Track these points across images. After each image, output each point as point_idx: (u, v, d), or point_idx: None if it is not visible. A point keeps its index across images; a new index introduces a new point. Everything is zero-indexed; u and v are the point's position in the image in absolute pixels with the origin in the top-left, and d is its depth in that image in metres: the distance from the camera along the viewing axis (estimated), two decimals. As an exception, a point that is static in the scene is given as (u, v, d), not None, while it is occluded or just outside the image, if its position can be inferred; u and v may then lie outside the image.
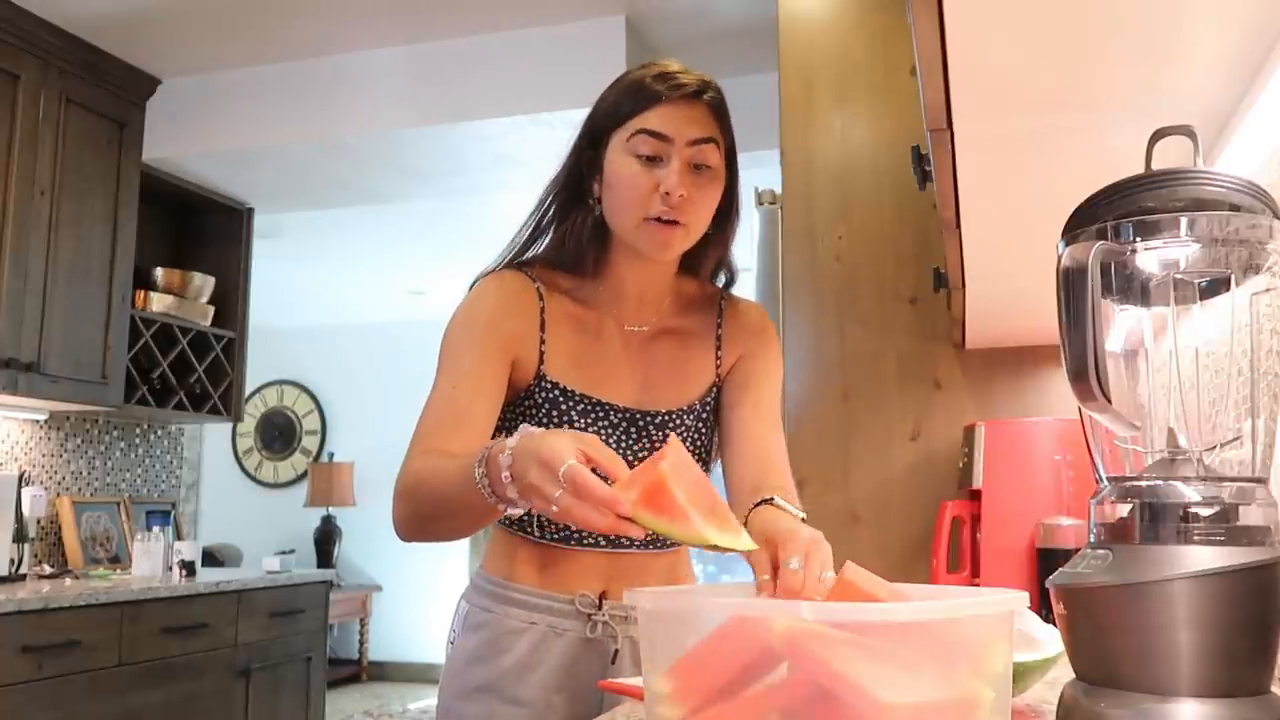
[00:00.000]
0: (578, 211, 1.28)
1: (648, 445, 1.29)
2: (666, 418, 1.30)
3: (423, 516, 1.11)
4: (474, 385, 1.20)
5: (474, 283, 1.31)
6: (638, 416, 1.29)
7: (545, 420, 1.26)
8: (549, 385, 1.26)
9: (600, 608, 1.27)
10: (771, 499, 1.12)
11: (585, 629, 1.27)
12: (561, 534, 1.29)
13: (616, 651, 1.28)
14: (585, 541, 1.28)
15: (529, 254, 1.32)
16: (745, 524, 1.07)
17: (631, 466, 1.24)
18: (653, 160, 1.21)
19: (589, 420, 1.26)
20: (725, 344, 1.37)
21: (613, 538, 1.25)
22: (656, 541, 1.31)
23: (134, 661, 3.11)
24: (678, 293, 1.37)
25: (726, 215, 1.31)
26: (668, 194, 1.19)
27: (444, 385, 1.20)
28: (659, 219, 1.20)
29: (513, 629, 1.28)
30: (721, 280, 1.42)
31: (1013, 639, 0.71)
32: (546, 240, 1.31)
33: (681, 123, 1.21)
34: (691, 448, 1.32)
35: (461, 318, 1.26)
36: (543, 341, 1.26)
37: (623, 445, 1.28)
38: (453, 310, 1.31)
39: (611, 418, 1.27)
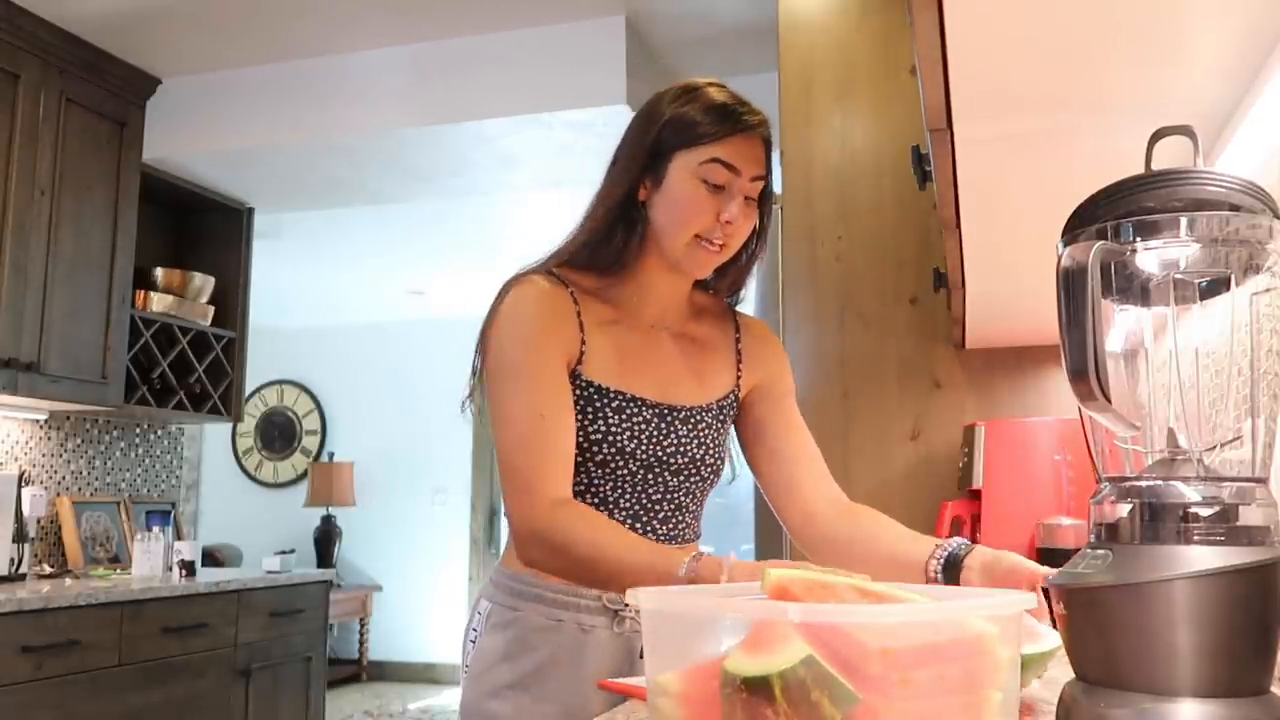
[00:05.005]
0: (627, 216, 1.33)
1: (675, 440, 1.34)
2: (689, 413, 1.36)
3: (576, 575, 1.23)
4: (554, 403, 1.26)
5: (509, 284, 1.34)
6: (665, 411, 1.33)
7: (580, 418, 1.29)
8: (584, 384, 1.30)
9: (627, 604, 1.28)
10: (964, 548, 1.23)
11: (613, 625, 1.30)
12: None
13: (643, 649, 1.28)
14: None
15: (578, 258, 1.35)
16: (960, 570, 1.20)
17: (659, 459, 1.33)
18: (718, 188, 1.28)
19: (622, 416, 1.30)
20: (746, 359, 1.45)
21: (639, 529, 1.32)
22: (677, 537, 1.36)
23: (134, 661, 3.11)
24: (693, 302, 1.44)
25: (755, 240, 1.39)
26: (728, 222, 1.28)
27: (522, 411, 1.25)
28: (711, 240, 1.29)
29: (540, 626, 1.29)
30: (736, 300, 1.49)
31: (1020, 639, 0.71)
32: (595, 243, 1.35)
33: (748, 159, 1.29)
34: (712, 444, 1.38)
35: (515, 330, 1.29)
36: (583, 343, 1.31)
37: (653, 440, 1.32)
38: (484, 312, 1.35)
39: (645, 412, 1.32)
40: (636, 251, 1.34)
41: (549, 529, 1.20)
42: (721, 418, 1.40)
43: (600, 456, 1.29)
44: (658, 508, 1.34)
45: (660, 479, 1.33)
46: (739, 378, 1.43)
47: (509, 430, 1.25)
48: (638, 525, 1.33)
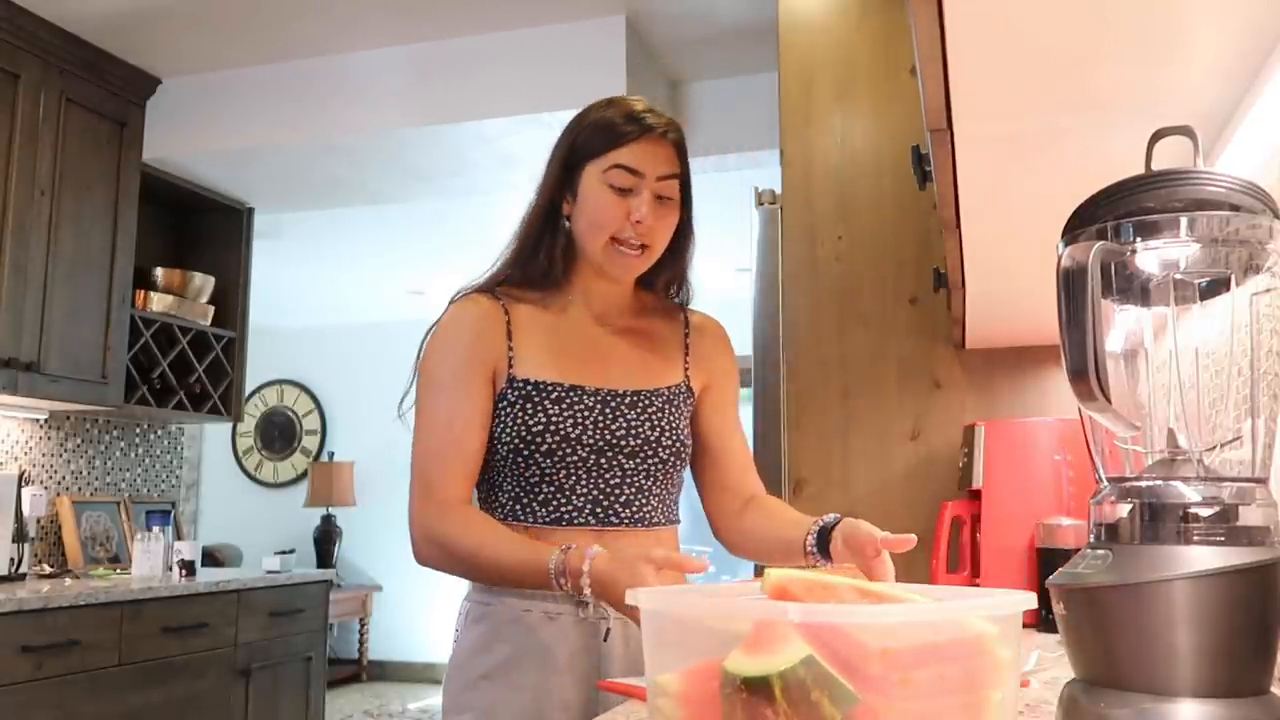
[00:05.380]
0: (551, 229, 1.42)
1: (624, 423, 1.39)
2: (636, 397, 1.41)
3: (461, 572, 1.32)
4: (466, 416, 1.36)
5: (450, 301, 1.45)
6: (609, 396, 1.39)
7: (521, 414, 1.35)
8: (520, 383, 1.37)
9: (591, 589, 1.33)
10: (836, 521, 1.30)
11: (577, 611, 1.34)
12: (553, 515, 1.36)
13: (608, 630, 1.34)
14: (576, 521, 1.36)
15: (510, 277, 1.45)
16: (829, 540, 1.29)
17: (609, 443, 1.37)
18: (625, 191, 1.35)
19: (563, 406, 1.36)
20: (694, 356, 1.51)
21: (600, 514, 1.37)
22: (642, 520, 1.39)
23: (134, 661, 3.11)
24: (640, 302, 1.50)
25: (681, 239, 1.46)
26: (638, 222, 1.35)
27: (437, 418, 1.37)
28: (627, 242, 1.36)
29: (510, 618, 1.34)
30: (683, 298, 1.55)
31: (1020, 640, 0.71)
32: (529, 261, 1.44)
33: (652, 160, 1.36)
34: (668, 426, 1.41)
35: (442, 346, 1.41)
36: (510, 349, 1.39)
37: (599, 424, 1.37)
38: (431, 327, 1.44)
39: (586, 399, 1.38)
40: (566, 263, 1.43)
41: (438, 530, 1.31)
42: (675, 402, 1.44)
43: (546, 446, 1.35)
44: (618, 492, 1.38)
45: (615, 462, 1.37)
46: (687, 371, 1.49)
47: (422, 436, 1.37)
48: (599, 510, 1.37)
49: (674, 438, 1.42)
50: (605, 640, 1.33)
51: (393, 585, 7.33)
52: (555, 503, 1.36)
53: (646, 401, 1.41)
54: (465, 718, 1.33)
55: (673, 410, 1.43)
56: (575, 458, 1.35)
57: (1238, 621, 0.69)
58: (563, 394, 1.36)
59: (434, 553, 1.31)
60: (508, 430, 1.35)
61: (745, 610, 0.73)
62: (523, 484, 1.36)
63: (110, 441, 4.02)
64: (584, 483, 1.36)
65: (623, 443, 1.37)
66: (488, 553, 1.27)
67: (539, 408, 1.35)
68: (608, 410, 1.38)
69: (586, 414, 1.36)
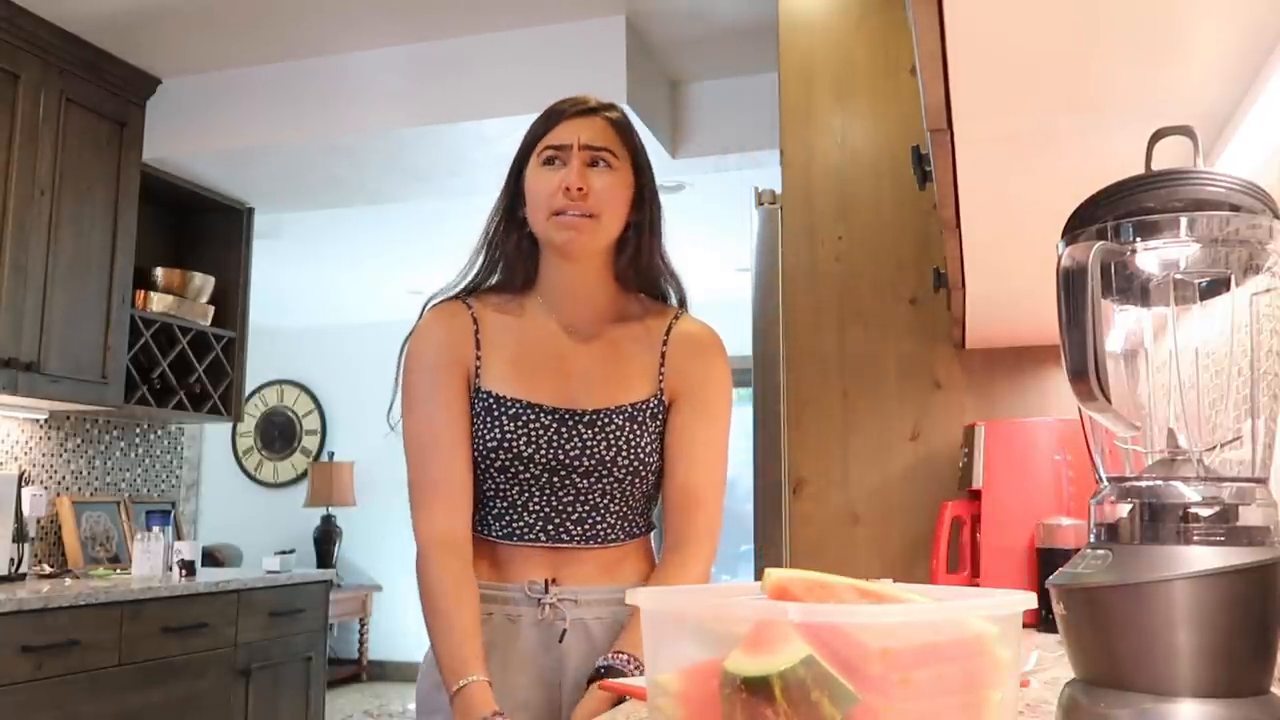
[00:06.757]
0: (513, 232, 1.44)
1: (579, 443, 1.37)
2: (595, 416, 1.39)
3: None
4: (445, 435, 1.36)
5: (424, 308, 1.46)
6: (566, 415, 1.38)
7: (480, 428, 1.37)
8: (485, 395, 1.39)
9: (547, 592, 1.37)
10: (608, 668, 1.29)
11: (536, 613, 1.37)
12: (505, 531, 1.39)
13: (564, 631, 1.37)
14: (526, 537, 1.38)
15: (481, 282, 1.46)
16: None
17: (562, 462, 1.36)
18: (556, 163, 1.38)
19: (519, 423, 1.36)
20: (669, 365, 1.44)
21: (551, 532, 1.38)
22: (595, 537, 1.40)
23: (134, 661, 3.11)
24: (621, 311, 1.46)
25: (641, 220, 1.42)
26: (568, 188, 1.34)
27: (420, 436, 1.38)
28: (566, 210, 1.35)
29: None
30: (678, 295, 1.50)
31: (1020, 640, 0.71)
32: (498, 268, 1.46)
33: (575, 132, 1.38)
34: (625, 445, 1.38)
35: (415, 357, 1.41)
36: (478, 358, 1.40)
37: (553, 444, 1.37)
38: (408, 335, 1.45)
39: (543, 418, 1.37)
40: (533, 261, 1.43)
41: (420, 566, 1.36)
42: (638, 419, 1.40)
43: (500, 463, 1.37)
44: (570, 509, 1.38)
45: (569, 481, 1.37)
46: (661, 383, 1.43)
47: (407, 451, 1.39)
48: (550, 528, 1.38)
49: (631, 456, 1.38)
50: (561, 642, 1.36)
51: (393, 585, 7.32)
52: (508, 518, 1.39)
53: (606, 420, 1.38)
54: (435, 719, 1.37)
55: (635, 428, 1.39)
56: (528, 475, 1.36)
57: (1238, 621, 0.69)
58: (520, 410, 1.37)
59: (418, 580, 1.38)
60: None
61: (745, 610, 0.73)
62: (480, 497, 1.39)
63: (110, 441, 4.02)
64: (536, 500, 1.38)
65: (576, 462, 1.37)
66: (430, 622, 1.34)
67: (496, 423, 1.36)
68: (564, 429, 1.37)
69: (541, 432, 1.36)
